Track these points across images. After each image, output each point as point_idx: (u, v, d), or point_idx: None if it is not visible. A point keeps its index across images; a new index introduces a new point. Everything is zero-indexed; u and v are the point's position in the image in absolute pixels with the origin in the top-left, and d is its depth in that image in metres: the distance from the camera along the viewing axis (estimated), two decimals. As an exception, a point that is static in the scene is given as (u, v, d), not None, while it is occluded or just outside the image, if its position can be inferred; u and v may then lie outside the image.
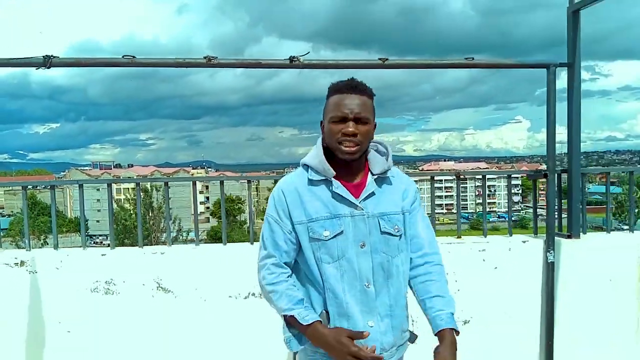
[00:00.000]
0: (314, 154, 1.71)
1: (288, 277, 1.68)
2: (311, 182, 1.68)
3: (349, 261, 1.63)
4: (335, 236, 1.63)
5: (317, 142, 1.75)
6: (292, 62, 2.90)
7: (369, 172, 1.72)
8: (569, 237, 3.23)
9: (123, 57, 2.87)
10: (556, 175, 3.22)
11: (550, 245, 3.09)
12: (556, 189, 3.21)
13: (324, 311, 1.66)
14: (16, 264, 2.92)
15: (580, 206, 3.25)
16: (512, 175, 3.82)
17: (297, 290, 1.67)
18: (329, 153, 1.70)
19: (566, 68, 3.19)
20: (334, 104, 1.67)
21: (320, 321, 1.60)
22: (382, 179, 1.73)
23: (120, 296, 2.94)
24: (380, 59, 2.97)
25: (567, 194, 3.25)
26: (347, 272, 1.64)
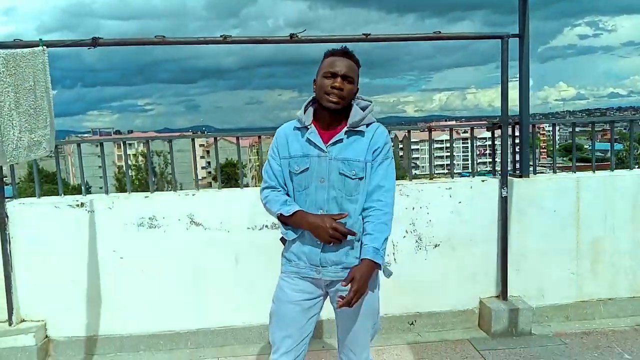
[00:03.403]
0: (302, 107, 2.15)
1: (278, 192, 2.14)
2: (296, 128, 2.11)
3: (310, 192, 2.07)
4: (302, 171, 2.07)
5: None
6: (292, 38, 3.57)
7: (346, 124, 2.07)
8: (520, 176, 3.97)
9: (155, 37, 3.55)
10: (510, 126, 3.93)
11: (504, 183, 3.82)
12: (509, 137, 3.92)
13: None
14: (77, 205, 3.65)
15: (530, 151, 3.98)
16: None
17: (282, 195, 2.13)
18: (318, 111, 2.11)
19: (520, 38, 3.86)
20: (328, 63, 2.05)
21: (302, 210, 2.05)
22: (355, 131, 2.07)
23: (161, 229, 3.68)
24: (363, 34, 3.64)
25: (519, 141, 3.98)
26: (309, 199, 2.07)
